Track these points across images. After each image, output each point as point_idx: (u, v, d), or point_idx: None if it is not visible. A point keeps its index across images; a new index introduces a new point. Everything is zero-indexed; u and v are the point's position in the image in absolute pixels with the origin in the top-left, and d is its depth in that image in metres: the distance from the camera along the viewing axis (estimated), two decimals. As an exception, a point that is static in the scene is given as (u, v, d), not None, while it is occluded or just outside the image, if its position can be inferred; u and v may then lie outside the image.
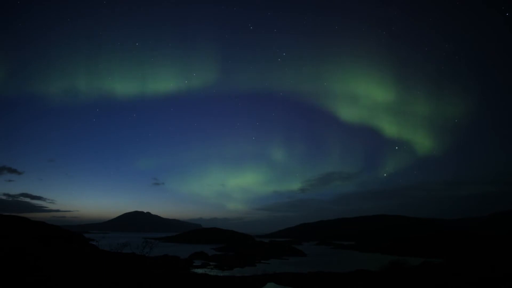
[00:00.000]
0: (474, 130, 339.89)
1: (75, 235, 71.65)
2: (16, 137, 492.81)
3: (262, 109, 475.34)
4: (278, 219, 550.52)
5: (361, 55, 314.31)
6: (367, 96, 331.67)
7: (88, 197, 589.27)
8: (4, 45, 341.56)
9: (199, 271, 42.99)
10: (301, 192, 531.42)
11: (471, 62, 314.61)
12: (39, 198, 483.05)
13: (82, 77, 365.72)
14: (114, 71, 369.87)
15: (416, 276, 23.70)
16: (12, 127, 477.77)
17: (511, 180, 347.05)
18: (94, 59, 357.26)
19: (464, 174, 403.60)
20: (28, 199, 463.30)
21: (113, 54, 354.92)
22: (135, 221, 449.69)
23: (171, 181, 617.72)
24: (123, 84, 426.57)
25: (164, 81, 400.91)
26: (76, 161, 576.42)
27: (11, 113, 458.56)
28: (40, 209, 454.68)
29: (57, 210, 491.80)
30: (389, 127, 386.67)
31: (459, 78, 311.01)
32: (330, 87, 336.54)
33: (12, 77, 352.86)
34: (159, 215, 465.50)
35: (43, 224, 66.04)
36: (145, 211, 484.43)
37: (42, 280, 14.43)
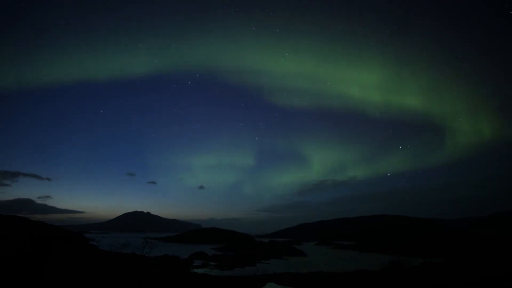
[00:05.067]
0: (476, 130, 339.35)
1: (75, 235, 71.70)
2: (17, 139, 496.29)
3: (265, 110, 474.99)
4: (277, 220, 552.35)
5: (364, 55, 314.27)
6: (369, 95, 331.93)
7: (88, 197, 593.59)
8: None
9: (199, 271, 42.98)
10: (299, 195, 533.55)
11: (473, 62, 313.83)
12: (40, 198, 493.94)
13: (86, 79, 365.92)
14: (117, 73, 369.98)
15: (416, 276, 23.70)
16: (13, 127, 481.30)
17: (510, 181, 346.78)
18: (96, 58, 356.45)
19: (464, 175, 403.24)
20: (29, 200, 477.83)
21: (117, 53, 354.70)
22: (135, 221, 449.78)
23: (172, 182, 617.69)
24: (127, 86, 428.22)
25: (165, 82, 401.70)
26: (76, 162, 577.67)
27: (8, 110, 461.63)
28: (43, 210, 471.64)
29: (67, 211, 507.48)
30: (391, 127, 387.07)
31: (461, 78, 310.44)
32: (332, 87, 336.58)
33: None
34: (159, 215, 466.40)
35: (43, 224, 66.02)
36: (145, 211, 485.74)
37: (42, 280, 14.44)
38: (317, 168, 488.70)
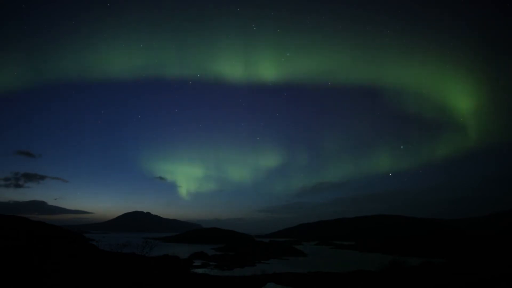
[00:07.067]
0: (476, 130, 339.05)
1: (75, 235, 71.82)
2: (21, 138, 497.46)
3: (266, 110, 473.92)
4: (277, 220, 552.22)
5: (365, 55, 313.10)
6: (371, 96, 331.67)
7: (97, 198, 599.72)
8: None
9: (199, 271, 42.99)
10: (299, 196, 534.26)
11: (475, 61, 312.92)
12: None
13: (89, 78, 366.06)
14: (117, 73, 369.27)
15: (416, 276, 23.70)
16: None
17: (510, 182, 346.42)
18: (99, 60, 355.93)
19: (464, 175, 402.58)
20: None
21: (117, 56, 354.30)
22: (135, 221, 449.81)
23: (172, 181, 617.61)
24: (127, 87, 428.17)
25: (167, 83, 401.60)
26: (76, 162, 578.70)
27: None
28: (51, 211, 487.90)
29: (75, 212, 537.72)
30: (392, 127, 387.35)
31: (461, 77, 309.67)
32: (333, 88, 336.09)
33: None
34: (159, 215, 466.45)
35: (43, 224, 66.20)
36: (145, 211, 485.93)
37: (42, 280, 14.43)
38: (316, 169, 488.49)
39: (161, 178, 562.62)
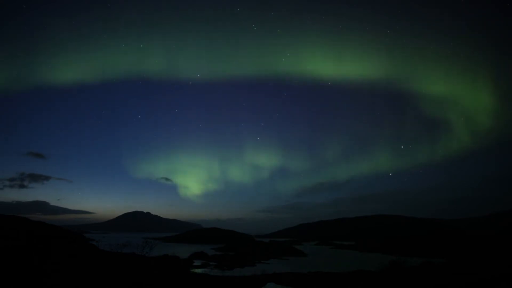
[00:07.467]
0: (476, 129, 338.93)
1: (75, 235, 71.92)
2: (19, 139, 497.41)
3: (266, 110, 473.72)
4: (277, 220, 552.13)
5: (365, 54, 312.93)
6: (372, 96, 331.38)
7: (99, 198, 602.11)
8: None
9: (199, 271, 43.02)
10: (298, 196, 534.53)
11: (473, 60, 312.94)
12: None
13: (90, 78, 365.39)
14: (118, 74, 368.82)
15: (416, 276, 23.70)
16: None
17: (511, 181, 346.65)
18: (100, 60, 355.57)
19: (464, 175, 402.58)
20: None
21: (117, 56, 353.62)
22: (135, 221, 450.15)
23: (172, 181, 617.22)
24: (127, 88, 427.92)
25: (167, 83, 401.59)
26: (80, 162, 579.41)
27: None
28: (53, 211, 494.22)
29: (76, 212, 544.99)
30: (393, 127, 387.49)
31: (461, 76, 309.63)
32: (334, 88, 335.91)
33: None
34: (159, 215, 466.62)
35: (43, 224, 66.25)
36: (145, 211, 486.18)
37: (42, 280, 14.44)
38: (316, 169, 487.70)
39: (166, 179, 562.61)
